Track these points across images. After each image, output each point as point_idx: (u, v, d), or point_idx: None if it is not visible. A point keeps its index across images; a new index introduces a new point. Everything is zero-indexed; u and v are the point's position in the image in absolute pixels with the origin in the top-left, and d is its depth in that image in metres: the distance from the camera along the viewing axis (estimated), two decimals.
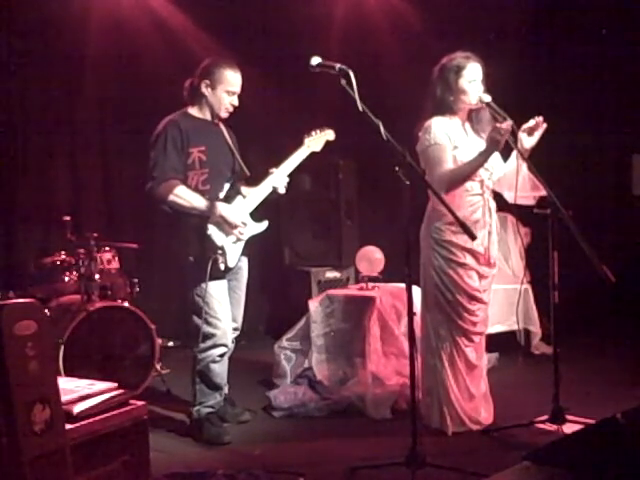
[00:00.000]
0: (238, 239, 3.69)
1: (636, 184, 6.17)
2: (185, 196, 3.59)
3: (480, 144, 3.59)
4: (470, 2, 5.97)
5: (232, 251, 3.69)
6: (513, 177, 3.51)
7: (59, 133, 5.65)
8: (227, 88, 3.71)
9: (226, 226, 3.62)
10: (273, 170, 3.77)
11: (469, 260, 3.60)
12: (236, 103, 3.77)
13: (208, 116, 3.79)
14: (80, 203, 5.68)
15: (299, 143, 3.85)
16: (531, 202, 3.62)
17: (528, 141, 3.51)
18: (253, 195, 3.78)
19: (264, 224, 3.81)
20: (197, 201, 3.60)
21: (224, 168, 3.77)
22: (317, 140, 3.88)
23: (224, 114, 3.78)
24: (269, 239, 4.98)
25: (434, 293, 3.63)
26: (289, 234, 6.18)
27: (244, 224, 3.66)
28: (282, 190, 3.81)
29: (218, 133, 3.84)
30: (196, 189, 3.66)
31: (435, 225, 3.60)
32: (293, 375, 4.53)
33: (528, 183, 3.54)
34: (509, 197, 3.65)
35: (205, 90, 3.71)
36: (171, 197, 3.58)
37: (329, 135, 3.92)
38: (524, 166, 3.50)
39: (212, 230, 3.62)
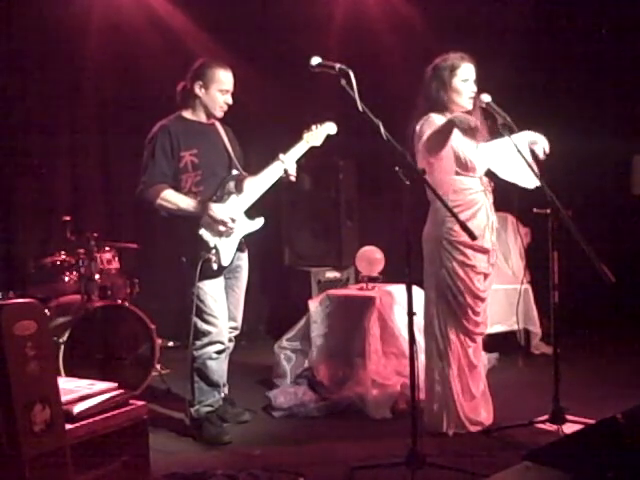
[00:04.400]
0: (229, 235, 3.69)
1: (636, 184, 6.17)
2: (172, 199, 3.63)
3: (473, 145, 3.61)
4: (470, 2, 5.97)
5: (225, 250, 3.70)
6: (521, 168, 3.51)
7: (59, 133, 5.65)
8: (220, 87, 3.73)
9: (215, 225, 3.63)
10: (281, 156, 3.77)
11: (479, 261, 3.60)
12: (230, 101, 3.78)
13: (203, 117, 3.80)
14: (80, 203, 5.68)
15: (298, 138, 3.85)
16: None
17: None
18: (256, 185, 3.78)
19: (259, 221, 3.81)
20: (184, 203, 3.63)
21: (219, 169, 3.78)
22: (317, 134, 3.87)
23: (219, 113, 3.79)
24: (269, 239, 5.00)
25: (445, 295, 3.60)
26: (289, 234, 6.18)
27: (233, 220, 3.66)
28: (293, 177, 3.80)
29: (213, 133, 3.84)
30: (190, 191, 3.69)
31: (448, 226, 3.54)
32: (293, 375, 4.53)
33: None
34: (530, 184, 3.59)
35: (199, 91, 3.73)
36: (158, 201, 3.64)
37: (330, 129, 3.90)
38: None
39: (204, 230, 3.64)
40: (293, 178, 3.83)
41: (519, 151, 3.43)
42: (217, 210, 3.63)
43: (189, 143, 3.71)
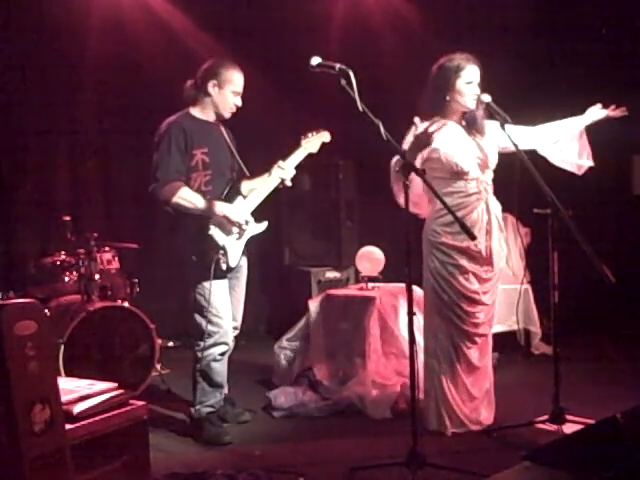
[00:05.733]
0: (240, 237, 3.70)
1: (636, 184, 6.17)
2: (189, 197, 3.60)
3: (474, 145, 3.62)
4: (470, 2, 5.97)
5: (233, 251, 3.71)
6: (571, 147, 3.65)
7: (59, 133, 5.66)
8: (234, 88, 3.72)
9: (229, 225, 3.64)
10: (280, 163, 3.77)
11: (465, 262, 3.59)
12: (239, 104, 3.78)
13: (211, 117, 3.79)
14: (80, 203, 5.68)
15: (296, 145, 3.86)
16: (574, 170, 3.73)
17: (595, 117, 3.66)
18: (258, 190, 3.79)
19: (263, 225, 3.82)
20: (200, 202, 3.61)
21: (225, 169, 3.79)
22: (313, 142, 3.90)
23: (228, 114, 3.78)
24: (269, 239, 4.98)
25: (432, 296, 3.64)
26: (289, 234, 6.18)
27: (247, 222, 3.69)
28: (289, 183, 3.81)
29: (219, 134, 3.84)
30: (199, 190, 3.66)
31: (432, 227, 3.61)
32: (293, 375, 4.53)
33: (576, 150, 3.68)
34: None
35: (212, 90, 3.71)
36: (175, 199, 3.58)
37: (324, 137, 3.93)
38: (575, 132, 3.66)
39: (214, 230, 3.63)
40: (289, 183, 3.83)
41: (515, 145, 3.44)
42: (233, 211, 3.63)
43: (200, 141, 3.68)
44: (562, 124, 3.71)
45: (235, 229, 3.66)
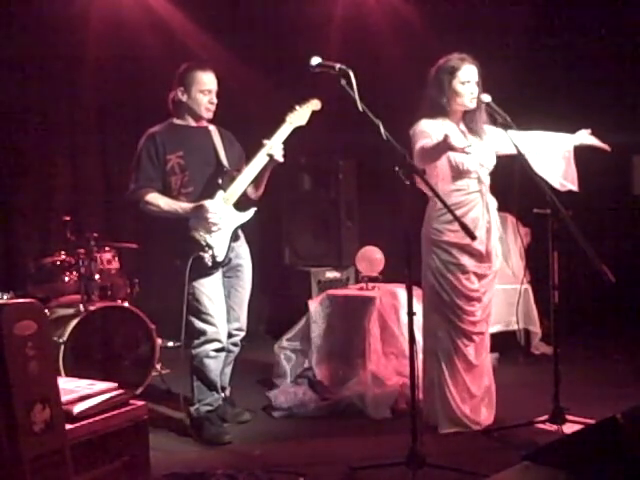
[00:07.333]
0: (220, 230, 3.67)
1: (636, 184, 6.17)
2: (154, 201, 3.69)
3: (477, 144, 3.61)
4: (470, 2, 5.97)
5: (218, 244, 3.69)
6: (557, 163, 3.68)
7: (59, 133, 5.65)
8: (201, 88, 3.76)
9: (201, 222, 3.63)
10: (264, 141, 3.73)
11: (467, 261, 3.60)
12: (214, 101, 3.80)
13: (191, 121, 3.83)
14: (80, 203, 5.68)
15: (281, 121, 3.78)
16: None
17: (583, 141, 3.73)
18: (242, 176, 3.74)
19: (250, 212, 3.78)
20: (166, 205, 3.68)
21: (206, 168, 3.79)
22: (301, 114, 3.81)
23: (205, 114, 3.81)
24: (269, 239, 4.99)
25: (431, 294, 3.65)
26: (289, 234, 6.18)
27: (215, 214, 3.63)
28: (280, 158, 3.74)
29: (201, 135, 3.85)
30: (179, 193, 3.73)
31: (433, 226, 3.61)
32: (293, 375, 4.53)
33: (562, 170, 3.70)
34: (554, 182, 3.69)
35: (182, 97, 3.78)
36: (141, 205, 3.72)
37: (314, 105, 3.85)
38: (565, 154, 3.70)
39: (194, 229, 3.65)
40: (281, 159, 3.75)
41: (518, 150, 3.44)
42: (198, 207, 3.62)
43: (175, 146, 3.75)
44: (553, 137, 3.72)
45: (206, 223, 3.62)
